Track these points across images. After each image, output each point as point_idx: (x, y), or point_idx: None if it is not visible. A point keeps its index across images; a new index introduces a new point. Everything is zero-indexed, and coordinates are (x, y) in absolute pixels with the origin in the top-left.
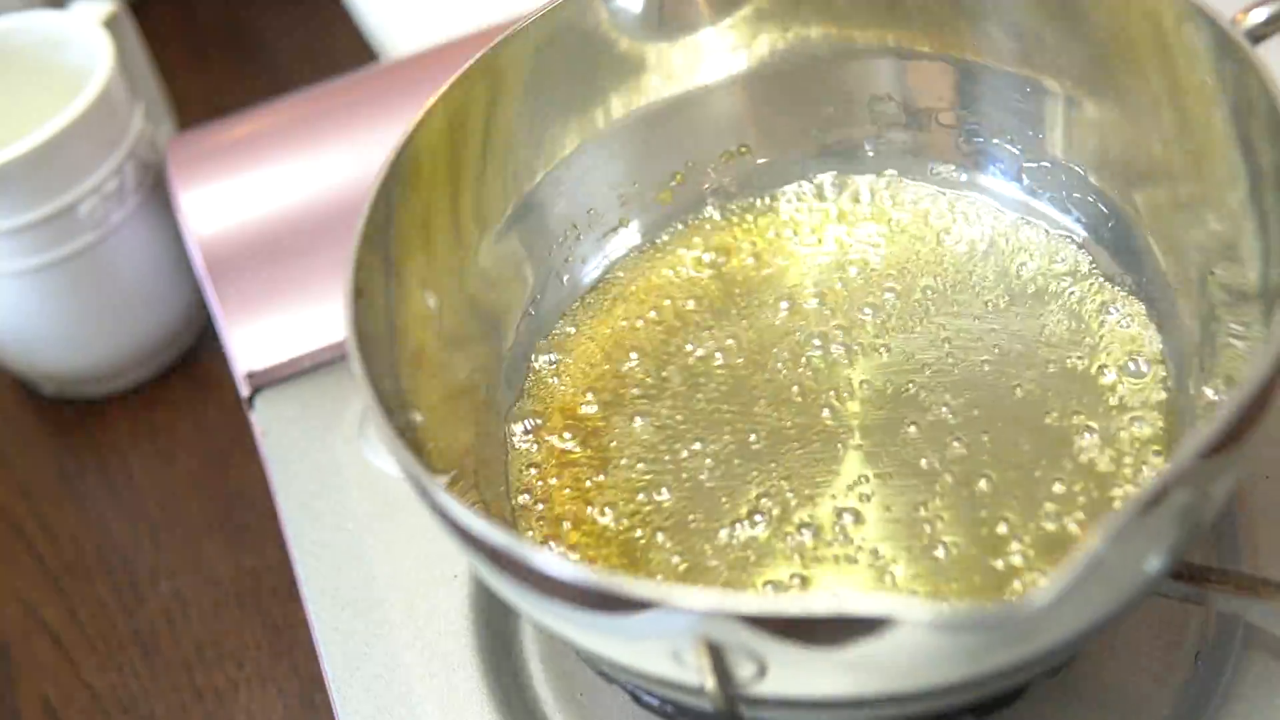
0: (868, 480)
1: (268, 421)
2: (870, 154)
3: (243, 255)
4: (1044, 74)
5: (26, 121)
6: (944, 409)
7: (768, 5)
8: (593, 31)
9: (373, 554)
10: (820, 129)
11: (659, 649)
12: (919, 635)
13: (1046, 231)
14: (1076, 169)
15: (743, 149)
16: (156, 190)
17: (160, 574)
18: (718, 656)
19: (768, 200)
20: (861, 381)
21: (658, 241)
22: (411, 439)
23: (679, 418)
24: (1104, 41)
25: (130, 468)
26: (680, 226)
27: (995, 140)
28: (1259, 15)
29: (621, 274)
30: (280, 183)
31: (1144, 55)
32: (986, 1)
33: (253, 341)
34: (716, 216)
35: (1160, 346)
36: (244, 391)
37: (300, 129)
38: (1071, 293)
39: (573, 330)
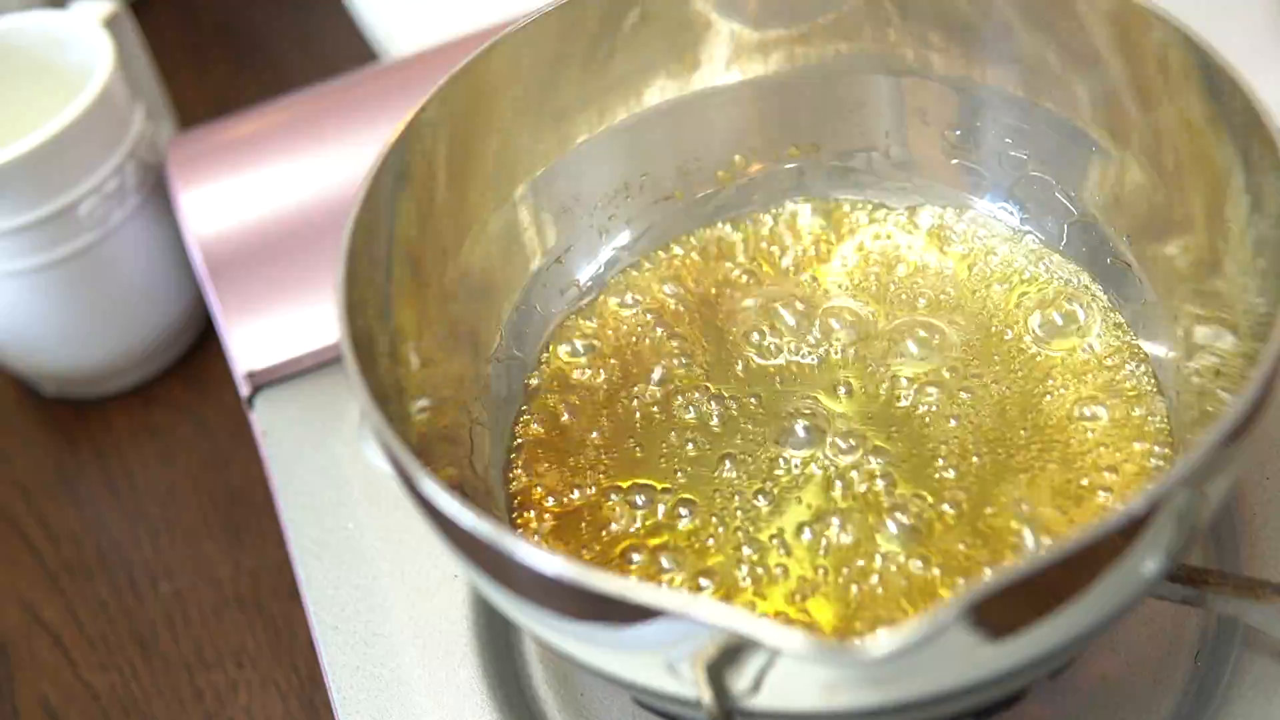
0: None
1: (268, 421)
2: (872, 170)
3: (243, 255)
4: (1048, 100)
5: (26, 121)
6: (941, 419)
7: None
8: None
9: (373, 554)
10: (826, 144)
11: (653, 661)
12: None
13: (1040, 250)
14: (1075, 199)
15: (740, 158)
16: (156, 190)
17: (160, 574)
18: (716, 670)
19: (771, 211)
20: (850, 382)
21: (653, 247)
22: (402, 430)
23: (633, 446)
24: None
25: (130, 468)
26: (677, 234)
27: (996, 161)
28: None
29: (619, 277)
30: (280, 183)
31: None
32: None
33: (253, 341)
34: (717, 224)
35: (1147, 349)
36: (244, 391)
37: (300, 129)
38: (1065, 306)
39: (569, 325)
